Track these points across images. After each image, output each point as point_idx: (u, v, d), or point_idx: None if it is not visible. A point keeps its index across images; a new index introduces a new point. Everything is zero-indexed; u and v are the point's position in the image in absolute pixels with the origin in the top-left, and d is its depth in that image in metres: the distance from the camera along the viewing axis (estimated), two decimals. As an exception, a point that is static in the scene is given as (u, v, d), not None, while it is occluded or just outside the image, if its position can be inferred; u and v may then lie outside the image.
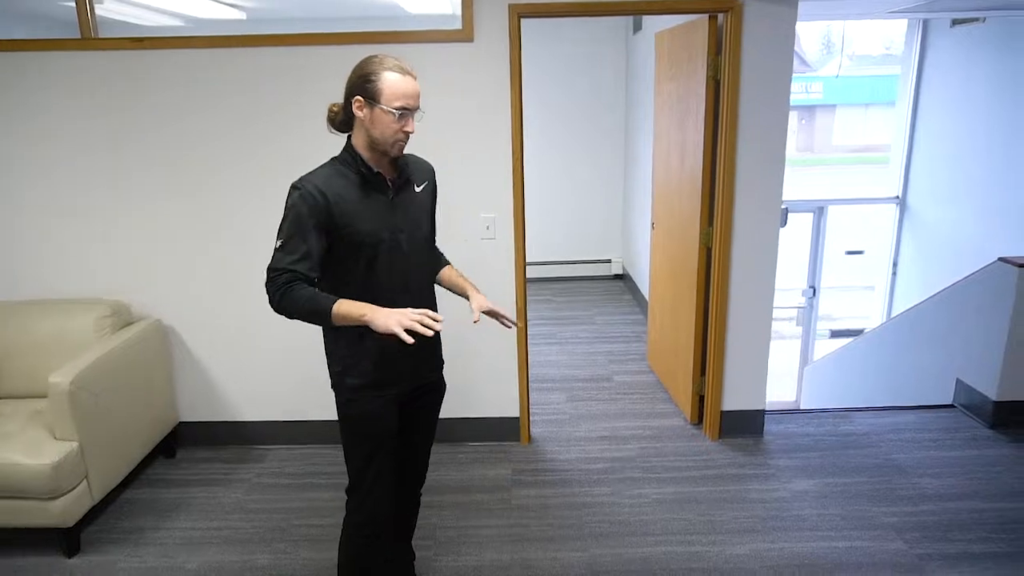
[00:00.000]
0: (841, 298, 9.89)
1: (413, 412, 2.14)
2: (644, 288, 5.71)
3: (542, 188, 6.51)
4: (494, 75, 3.12)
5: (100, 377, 2.83)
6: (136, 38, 3.06)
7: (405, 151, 1.94)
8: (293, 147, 3.19)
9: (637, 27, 5.78)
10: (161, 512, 3.03)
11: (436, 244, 2.22)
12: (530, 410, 3.63)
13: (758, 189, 3.26)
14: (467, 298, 2.09)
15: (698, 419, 3.69)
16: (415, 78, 1.86)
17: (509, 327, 2.04)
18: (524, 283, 3.39)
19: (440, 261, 2.23)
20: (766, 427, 3.62)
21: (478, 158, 3.23)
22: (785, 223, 6.47)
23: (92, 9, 3.07)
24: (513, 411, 3.56)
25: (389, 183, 1.93)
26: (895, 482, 3.15)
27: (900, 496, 3.04)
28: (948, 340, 4.03)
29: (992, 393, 3.61)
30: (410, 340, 1.67)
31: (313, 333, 3.39)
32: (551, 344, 5.04)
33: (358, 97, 1.83)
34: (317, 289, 1.82)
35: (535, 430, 3.69)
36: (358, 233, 1.86)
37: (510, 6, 3.03)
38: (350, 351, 1.95)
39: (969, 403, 3.78)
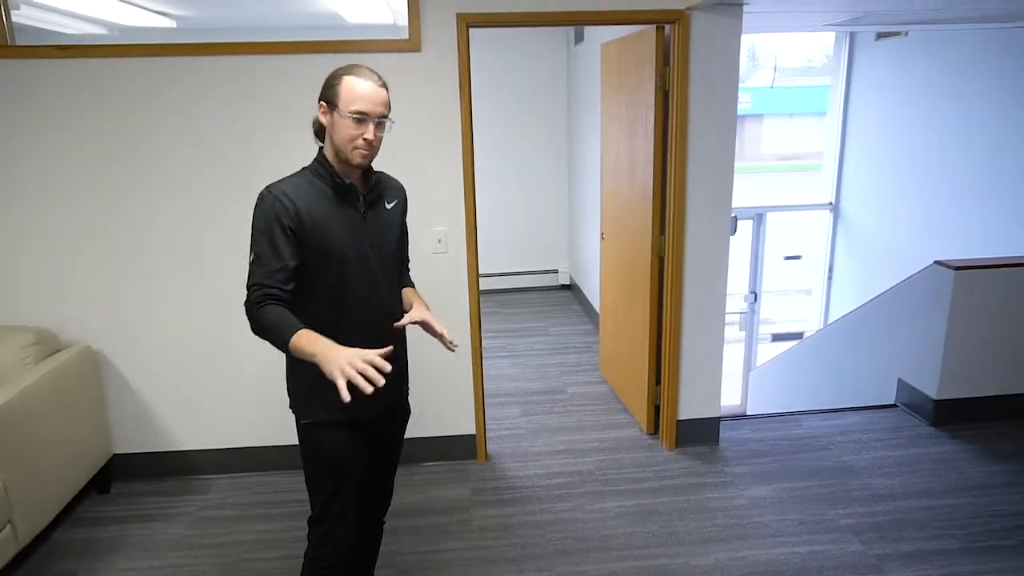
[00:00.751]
0: (781, 302, 10.18)
1: (379, 439, 2.06)
2: (593, 298, 5.72)
3: (488, 199, 6.47)
4: (443, 85, 3.05)
5: (23, 411, 2.62)
6: (60, 46, 2.87)
7: (376, 165, 1.89)
8: (233, 160, 3.05)
9: (579, 38, 5.81)
10: (96, 553, 2.82)
11: (408, 265, 2.18)
12: (486, 427, 3.55)
13: (709, 198, 3.28)
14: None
15: (654, 429, 3.69)
16: (381, 85, 1.80)
17: (451, 349, 1.92)
18: (478, 297, 3.32)
19: (404, 280, 2.14)
20: (721, 434, 3.64)
21: (429, 170, 3.15)
22: (735, 231, 6.61)
23: (8, 15, 2.86)
24: (469, 428, 3.48)
25: (361, 197, 1.87)
26: (848, 484, 3.20)
27: (854, 498, 3.09)
28: (889, 341, 4.16)
29: (933, 392, 3.73)
30: (347, 397, 1.51)
31: (256, 356, 3.27)
32: (503, 357, 4.98)
33: (321, 102, 1.79)
34: (286, 309, 1.72)
35: (492, 447, 3.62)
36: (329, 245, 1.79)
37: (458, 15, 2.97)
38: (313, 381, 1.78)
39: (911, 402, 3.90)
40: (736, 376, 7.32)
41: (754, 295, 7.10)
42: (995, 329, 3.66)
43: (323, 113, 1.79)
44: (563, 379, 4.53)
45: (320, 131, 1.88)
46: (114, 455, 3.30)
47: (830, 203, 6.94)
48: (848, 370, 4.66)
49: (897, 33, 5.87)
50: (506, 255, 6.74)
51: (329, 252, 1.80)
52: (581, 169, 6.05)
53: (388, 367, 1.56)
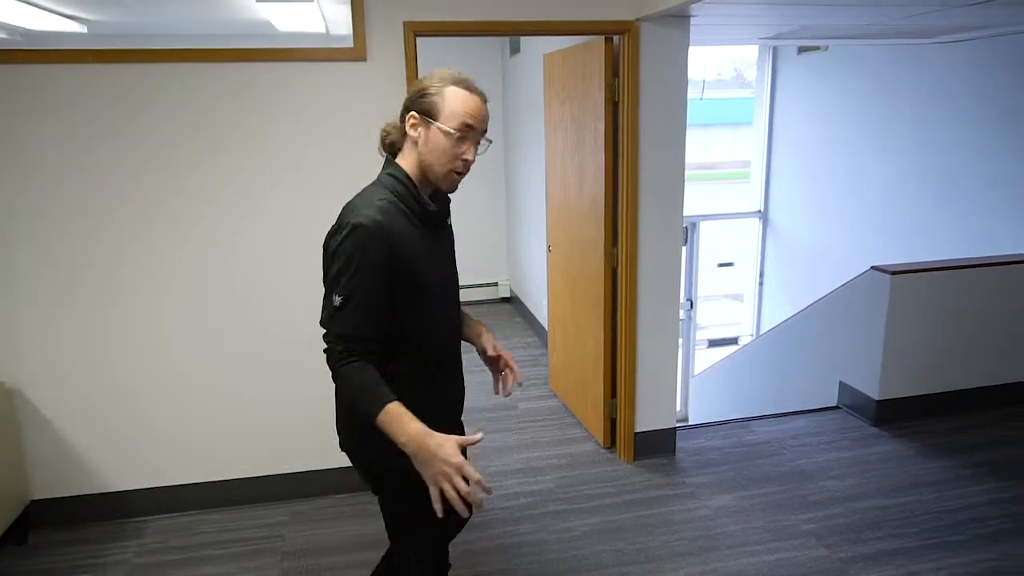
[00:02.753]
0: (714, 308, 10.44)
1: None
2: (536, 310, 5.67)
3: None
4: (390, 96, 2.93)
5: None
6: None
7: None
8: (164, 181, 2.83)
9: (514, 49, 5.78)
10: (15, 614, 2.54)
11: None
12: (440, 448, 3.42)
13: (660, 209, 3.28)
14: (475, 339, 1.86)
15: (611, 442, 3.64)
16: (484, 99, 1.60)
17: (513, 390, 1.77)
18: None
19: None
20: (677, 444, 3.63)
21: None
22: (686, 240, 6.70)
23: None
24: (423, 451, 3.33)
25: (442, 221, 1.70)
26: (804, 488, 3.24)
27: (812, 502, 3.12)
28: (830, 345, 4.28)
29: (874, 393, 3.84)
30: (440, 513, 1.40)
31: (194, 386, 3.03)
32: (448, 374, 4.85)
33: (413, 113, 1.58)
34: (374, 369, 1.50)
35: (447, 469, 3.48)
36: (420, 280, 1.59)
37: (405, 24, 2.86)
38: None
39: (853, 403, 4.02)
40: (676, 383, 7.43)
41: (690, 302, 7.22)
42: (930, 330, 3.81)
43: (412, 126, 1.58)
44: (513, 395, 4.45)
45: (392, 144, 1.65)
46: (31, 502, 2.99)
47: (759, 211, 7.15)
48: (791, 374, 4.77)
49: (818, 48, 6.12)
50: (444, 269, 6.62)
51: (419, 287, 1.59)
52: (519, 180, 6.01)
53: (487, 489, 1.44)
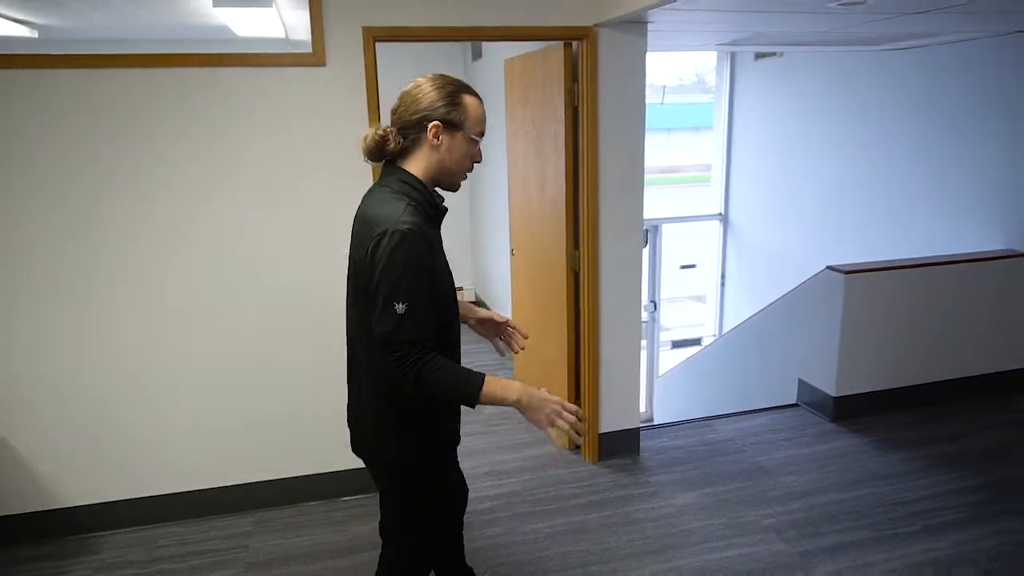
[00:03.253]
0: (677, 310, 10.58)
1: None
2: (502, 313, 5.69)
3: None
4: (349, 101, 2.93)
5: None
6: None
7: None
8: (116, 185, 2.78)
9: (477, 55, 5.80)
10: (-34, 635, 2.47)
11: None
12: (406, 454, 3.41)
13: (621, 211, 3.33)
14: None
15: (575, 444, 3.67)
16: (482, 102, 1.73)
17: (518, 349, 2.01)
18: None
19: None
20: (641, 444, 3.68)
21: (337, 189, 3.01)
22: (647, 243, 6.78)
23: None
24: (388, 457, 3.32)
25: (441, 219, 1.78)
26: (764, 484, 3.31)
27: (771, 497, 3.19)
28: (788, 344, 4.37)
29: (831, 389, 3.94)
30: (568, 442, 1.67)
31: (148, 396, 2.97)
32: (414, 380, 4.84)
33: (436, 123, 1.64)
34: (448, 359, 1.61)
35: (413, 474, 3.48)
36: (441, 277, 1.69)
37: (364, 29, 2.86)
38: (423, 439, 1.75)
39: (812, 400, 4.11)
40: (640, 384, 7.51)
41: (654, 304, 7.31)
42: (884, 327, 3.92)
43: (435, 134, 1.64)
44: (479, 399, 4.45)
45: (382, 151, 1.68)
46: (-16, 519, 2.91)
47: (720, 213, 7.28)
48: (751, 373, 4.87)
49: (774, 53, 6.26)
50: (410, 274, 6.60)
51: (444, 289, 1.70)
52: (483, 184, 6.03)
53: (581, 417, 1.62)
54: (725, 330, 7.42)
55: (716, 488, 3.29)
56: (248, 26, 2.95)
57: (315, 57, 2.85)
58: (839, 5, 2.74)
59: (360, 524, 3.07)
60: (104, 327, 2.88)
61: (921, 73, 4.64)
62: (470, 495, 3.24)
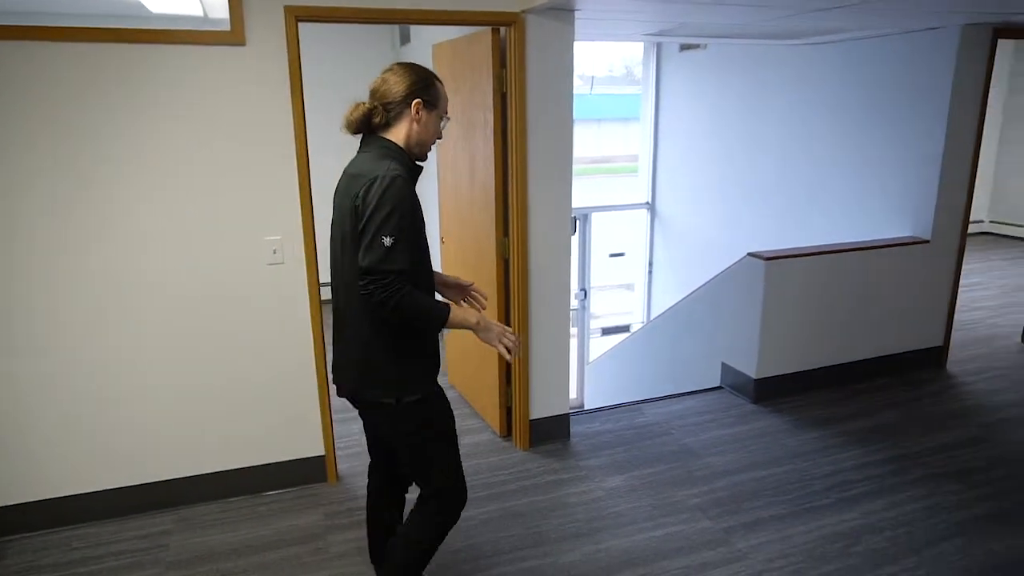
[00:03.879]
0: (607, 297, 10.75)
1: None
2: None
3: (322, 203, 6.13)
4: (270, 82, 2.83)
5: None
6: None
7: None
8: (24, 165, 2.60)
9: (405, 39, 5.71)
10: None
11: None
12: (335, 445, 3.35)
13: (549, 198, 3.34)
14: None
15: (507, 431, 3.69)
16: None
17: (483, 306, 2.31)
18: (320, 309, 3.13)
19: None
20: (571, 429, 3.72)
21: (260, 175, 2.91)
22: (575, 231, 6.83)
23: None
24: (316, 449, 3.26)
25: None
26: (690, 464, 3.41)
27: (697, 477, 3.29)
28: (713, 329, 4.51)
29: (752, 372, 4.08)
30: (510, 358, 2.03)
31: (62, 384, 2.81)
32: (343, 370, 4.75)
33: (419, 100, 1.93)
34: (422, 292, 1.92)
35: (343, 466, 3.42)
36: (423, 230, 1.98)
37: (286, 8, 2.77)
38: (418, 359, 2.01)
39: (735, 383, 4.25)
40: (571, 371, 7.61)
41: (584, 292, 7.40)
42: (801, 311, 4.09)
43: (417, 110, 1.93)
44: (410, 388, 4.41)
45: (368, 124, 1.95)
46: None
47: (647, 203, 7.42)
48: (678, 358, 4.99)
49: (698, 46, 6.41)
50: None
51: (424, 240, 1.99)
52: (413, 173, 5.95)
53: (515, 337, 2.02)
54: (653, 317, 7.59)
55: (644, 470, 3.36)
56: (164, 3, 2.81)
57: (234, 35, 2.74)
58: (758, -3, 2.82)
59: (287, 518, 2.99)
60: (10, 324, 2.70)
61: (837, 67, 4.84)
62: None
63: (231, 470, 3.15)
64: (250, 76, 2.80)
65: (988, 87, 4.11)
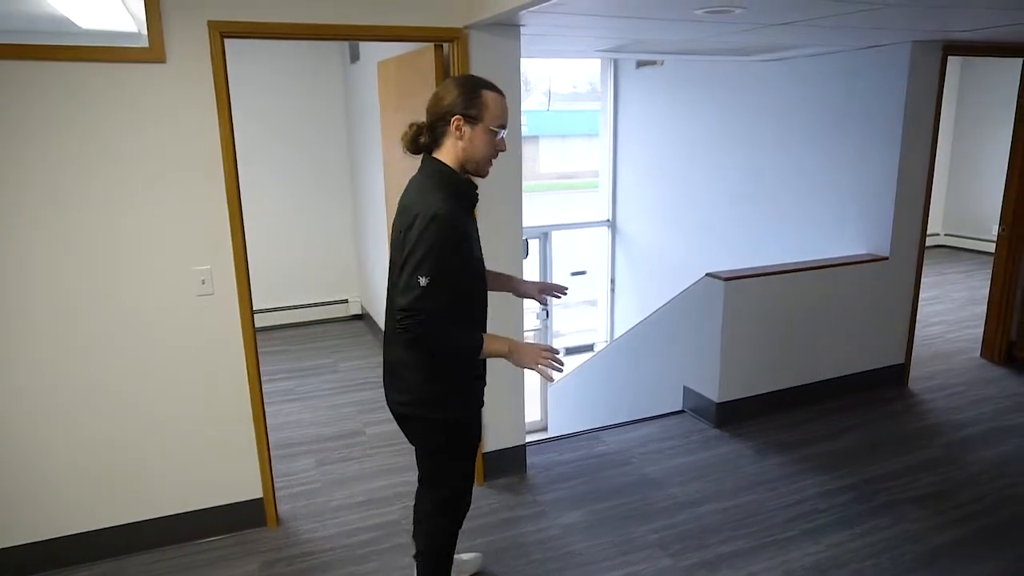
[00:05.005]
0: (569, 315, 10.64)
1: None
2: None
3: (268, 229, 5.93)
4: (195, 102, 2.64)
5: None
6: None
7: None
8: (-89, 195, 2.38)
9: (354, 56, 5.55)
10: None
11: None
12: (275, 486, 3.14)
13: (499, 221, 3.20)
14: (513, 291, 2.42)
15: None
16: (504, 96, 1.96)
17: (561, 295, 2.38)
18: (254, 340, 2.92)
19: None
20: (528, 459, 3.56)
21: (182, 200, 2.71)
22: (527, 254, 6.69)
23: None
24: (254, 491, 3.04)
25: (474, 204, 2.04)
26: (651, 496, 3.26)
27: (658, 510, 3.15)
28: (674, 351, 4.39)
29: (714, 396, 3.97)
30: (552, 377, 1.97)
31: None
32: (291, 401, 4.53)
33: (458, 116, 1.88)
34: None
35: (283, 508, 3.21)
36: (474, 256, 1.96)
37: (210, 23, 2.59)
38: (455, 384, 2.06)
39: (696, 407, 4.13)
40: (535, 393, 7.45)
41: (546, 311, 7.27)
42: (762, 332, 3.99)
43: (458, 127, 1.88)
44: (361, 419, 4.21)
45: (417, 144, 1.96)
46: None
47: (608, 220, 7.33)
48: (640, 380, 4.87)
49: (654, 62, 6.37)
50: (290, 287, 6.23)
51: (474, 266, 1.97)
52: (365, 192, 5.77)
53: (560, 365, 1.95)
54: (616, 335, 7.49)
55: (603, 504, 3.21)
56: (92, 18, 2.61)
57: (153, 53, 2.55)
58: (705, 13, 2.73)
59: (222, 568, 2.77)
60: None
61: (794, 84, 4.81)
62: (346, 528, 3.03)
63: (163, 518, 2.92)
64: (172, 96, 2.61)
65: (940, 103, 4.09)
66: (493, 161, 1.98)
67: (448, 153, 1.93)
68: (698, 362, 4.10)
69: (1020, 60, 4.52)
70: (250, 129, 5.69)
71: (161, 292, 2.73)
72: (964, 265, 7.98)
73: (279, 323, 6.20)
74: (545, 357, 1.93)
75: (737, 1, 2.52)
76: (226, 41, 2.66)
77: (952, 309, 6.30)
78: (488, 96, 1.90)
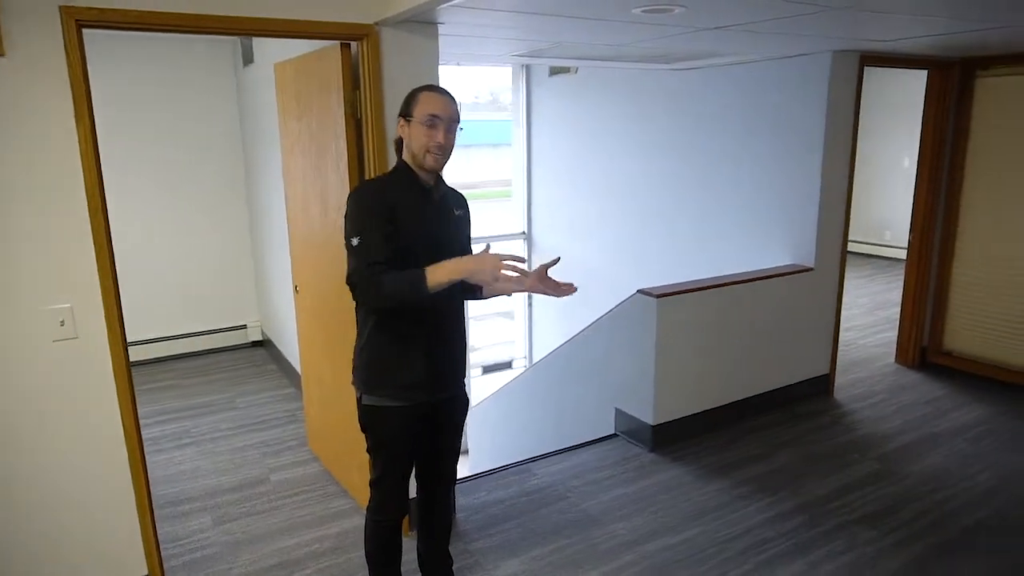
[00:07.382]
0: (486, 328, 10.36)
1: (441, 424, 2.27)
2: (291, 355, 4.97)
3: (144, 247, 5.31)
4: (45, 103, 2.18)
5: None
6: None
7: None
8: None
9: (248, 59, 5.05)
10: None
11: None
12: (161, 555, 2.66)
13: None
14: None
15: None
16: (446, 94, 2.07)
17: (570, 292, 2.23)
18: (129, 387, 2.45)
19: None
20: (456, 502, 3.23)
21: (32, 223, 2.22)
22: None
23: None
24: (134, 566, 2.56)
25: (436, 196, 2.13)
26: (593, 536, 3.00)
27: (603, 552, 2.89)
28: (604, 371, 4.17)
29: (649, 418, 3.77)
30: (518, 289, 2.05)
31: None
32: (184, 447, 3.99)
33: (400, 117, 2.08)
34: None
35: (173, 582, 2.73)
36: (410, 230, 2.01)
37: (63, 9, 2.13)
38: (379, 368, 2.15)
39: (629, 430, 3.92)
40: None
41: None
42: (695, 350, 3.84)
43: (401, 127, 2.08)
44: (265, 463, 3.74)
45: (399, 147, 2.13)
46: None
47: (523, 232, 7.10)
48: (569, 404, 4.62)
49: (567, 70, 6.20)
50: (180, 312, 5.61)
51: (411, 236, 2.01)
52: (262, 207, 5.27)
53: (522, 264, 1.91)
54: (535, 351, 7.25)
55: (543, 548, 2.92)
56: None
57: (-14, 43, 2.07)
58: (644, 12, 2.51)
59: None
60: None
61: (718, 93, 4.72)
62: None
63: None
64: (14, 95, 2.13)
65: (858, 112, 4.09)
66: (434, 153, 2.04)
67: (405, 151, 2.11)
68: (631, 383, 3.89)
69: (923, 72, 4.61)
70: (125, 138, 5.08)
71: (3, 341, 2.22)
72: (864, 270, 8.25)
73: (167, 354, 5.56)
74: (501, 267, 1.86)
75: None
76: (86, 32, 2.21)
77: (860, 314, 6.44)
78: (421, 94, 2.04)
